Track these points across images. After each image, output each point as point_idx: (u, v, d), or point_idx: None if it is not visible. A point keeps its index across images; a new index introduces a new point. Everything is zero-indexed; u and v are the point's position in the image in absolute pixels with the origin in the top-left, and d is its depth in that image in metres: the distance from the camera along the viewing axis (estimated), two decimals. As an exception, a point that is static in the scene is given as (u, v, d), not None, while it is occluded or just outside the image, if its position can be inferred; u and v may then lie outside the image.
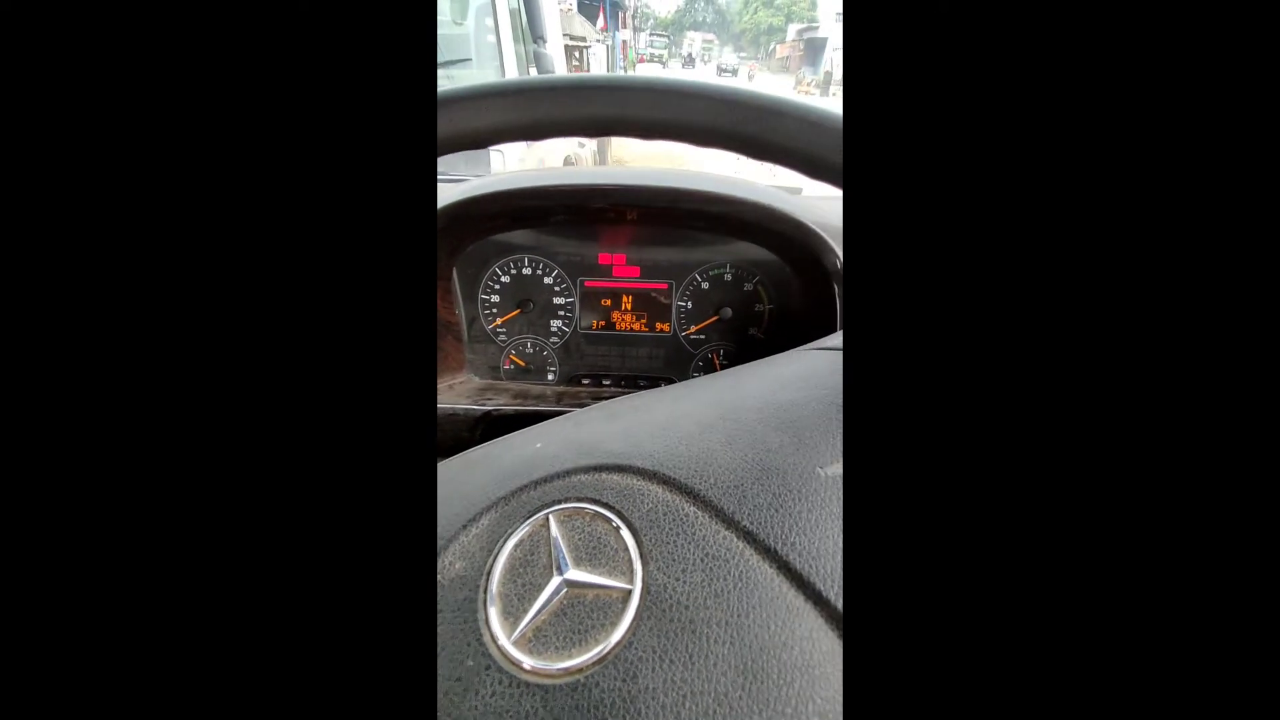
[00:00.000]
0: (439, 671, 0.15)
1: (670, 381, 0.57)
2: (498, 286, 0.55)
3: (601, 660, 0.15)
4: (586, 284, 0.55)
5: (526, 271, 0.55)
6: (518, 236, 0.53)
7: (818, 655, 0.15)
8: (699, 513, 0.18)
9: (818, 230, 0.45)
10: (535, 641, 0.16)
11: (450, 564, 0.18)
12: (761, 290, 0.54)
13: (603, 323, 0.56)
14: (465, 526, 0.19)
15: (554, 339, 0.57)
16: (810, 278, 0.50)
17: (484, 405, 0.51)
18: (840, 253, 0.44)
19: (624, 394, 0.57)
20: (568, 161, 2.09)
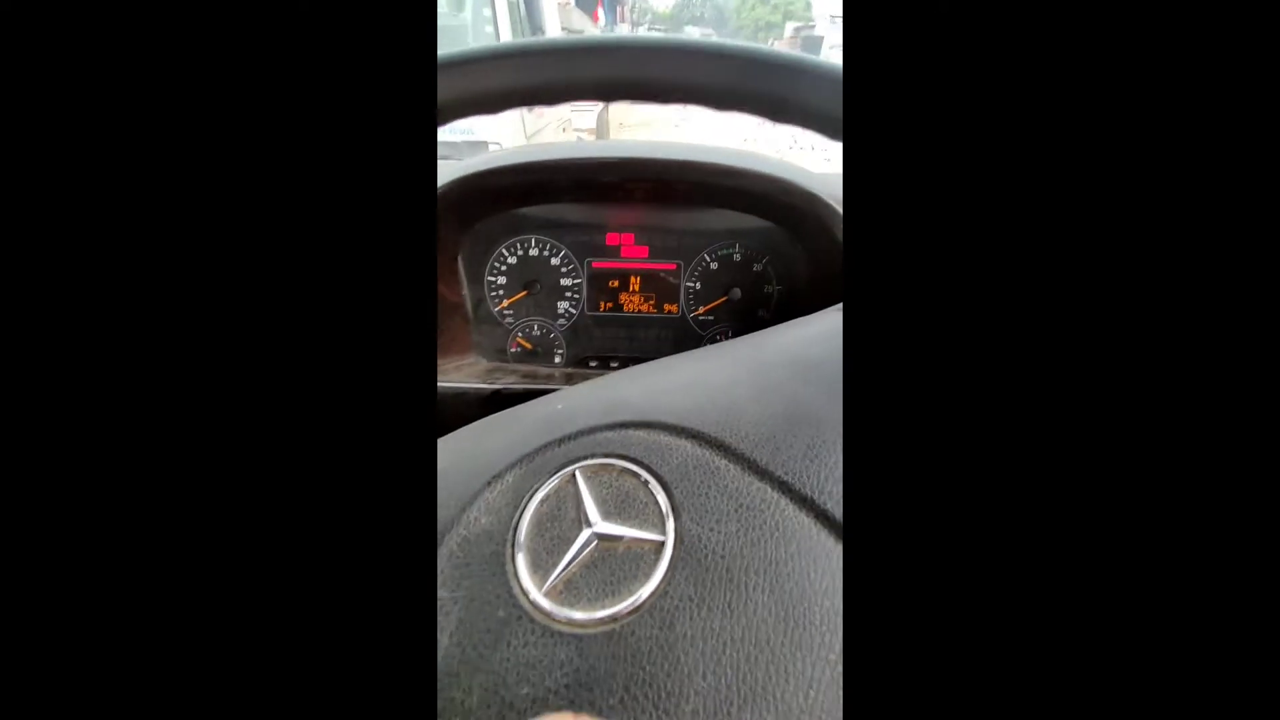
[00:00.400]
0: (471, 624, 0.15)
1: None
2: (504, 268, 0.54)
3: (637, 609, 0.15)
4: (594, 265, 0.54)
5: (534, 253, 0.54)
6: (523, 216, 0.53)
7: None
8: (730, 465, 0.17)
9: (830, 203, 0.44)
10: (566, 593, 0.15)
11: (475, 519, 0.17)
12: (771, 271, 0.54)
13: (610, 304, 0.55)
14: (490, 483, 0.18)
15: (561, 321, 0.56)
16: (821, 257, 0.49)
17: (492, 384, 0.50)
18: None
19: None
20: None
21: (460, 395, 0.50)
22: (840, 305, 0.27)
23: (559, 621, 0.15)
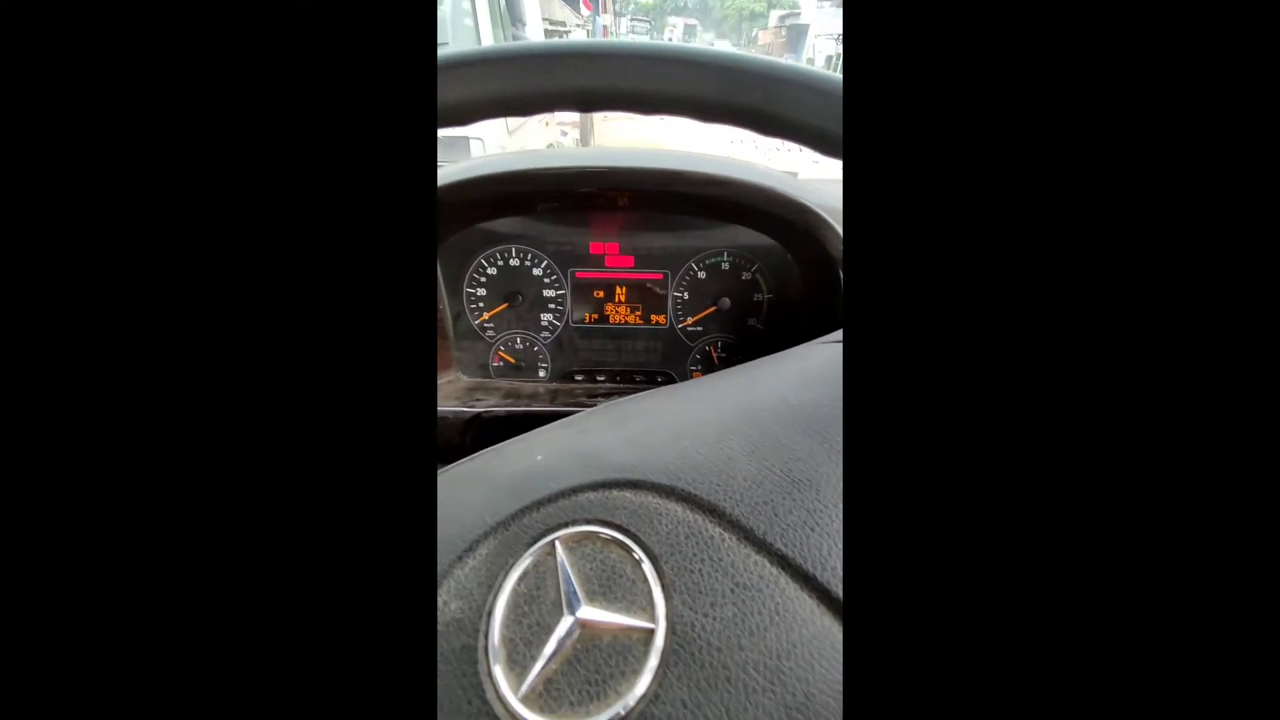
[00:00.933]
0: None
1: (668, 376, 0.55)
2: (484, 279, 0.52)
3: None
4: (578, 275, 0.52)
5: (514, 263, 0.52)
6: (503, 225, 0.50)
7: None
8: (725, 534, 0.16)
9: (821, 213, 0.42)
10: (546, 696, 0.14)
11: (445, 604, 0.15)
12: (760, 279, 0.52)
13: (596, 316, 0.53)
14: (460, 558, 0.16)
15: (545, 334, 0.54)
16: (812, 265, 0.48)
17: (474, 407, 0.48)
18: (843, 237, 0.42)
19: (620, 390, 0.54)
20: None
21: (440, 419, 0.47)
22: (834, 335, 0.26)
23: None
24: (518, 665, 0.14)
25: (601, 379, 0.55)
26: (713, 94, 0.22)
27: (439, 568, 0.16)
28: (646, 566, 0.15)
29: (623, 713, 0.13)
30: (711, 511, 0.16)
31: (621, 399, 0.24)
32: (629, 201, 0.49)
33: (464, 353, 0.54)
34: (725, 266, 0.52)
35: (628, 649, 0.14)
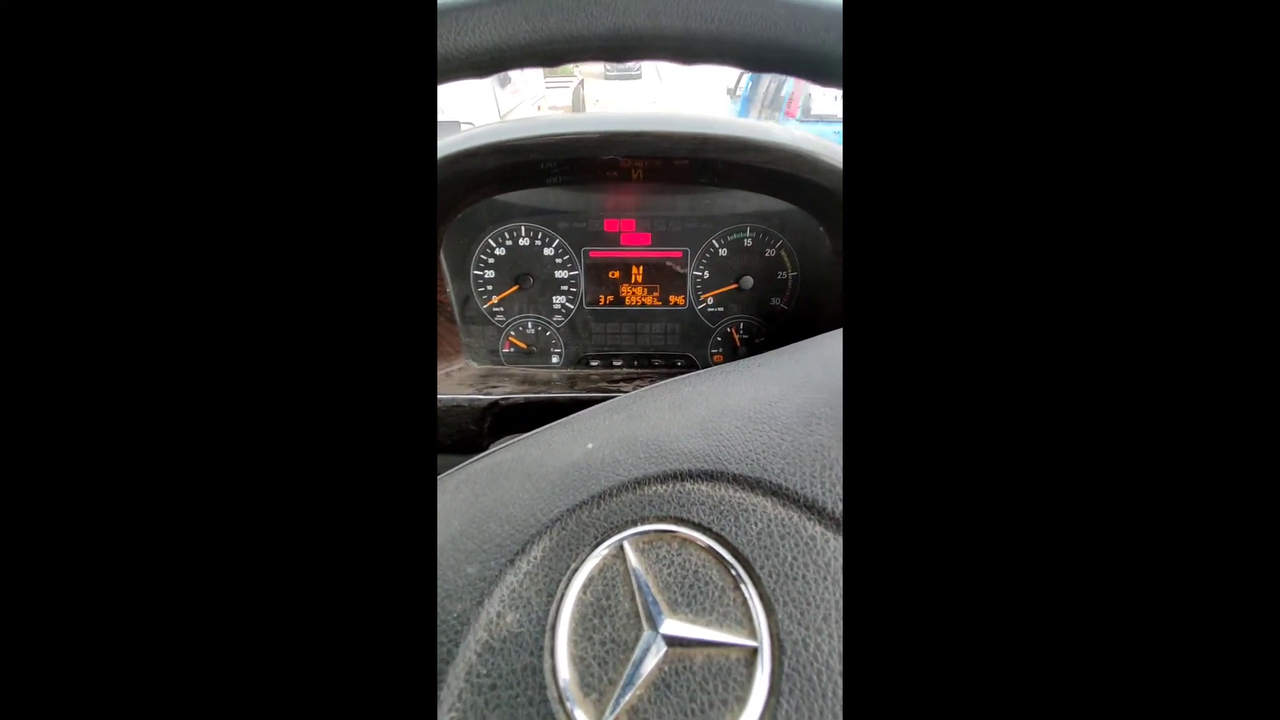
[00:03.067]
0: None
1: (688, 360, 0.53)
2: (492, 260, 0.49)
3: None
4: (592, 255, 0.49)
5: (524, 243, 0.49)
6: (510, 202, 0.47)
7: None
8: (827, 534, 0.13)
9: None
10: None
11: (498, 617, 0.13)
12: (785, 256, 0.49)
13: (611, 297, 0.51)
14: (512, 561, 0.14)
15: (558, 317, 0.51)
16: (835, 232, 0.45)
17: (489, 394, 0.45)
18: None
19: (638, 375, 0.52)
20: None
21: (454, 408, 0.45)
22: None
23: None
24: (594, 691, 0.12)
25: (618, 364, 0.53)
26: (780, 37, 0.20)
27: (488, 572, 0.14)
28: (739, 572, 0.13)
29: None
30: (810, 507, 0.14)
31: (668, 381, 0.21)
32: (644, 174, 0.46)
33: (473, 338, 0.51)
34: (748, 243, 0.49)
35: (728, 672, 0.12)
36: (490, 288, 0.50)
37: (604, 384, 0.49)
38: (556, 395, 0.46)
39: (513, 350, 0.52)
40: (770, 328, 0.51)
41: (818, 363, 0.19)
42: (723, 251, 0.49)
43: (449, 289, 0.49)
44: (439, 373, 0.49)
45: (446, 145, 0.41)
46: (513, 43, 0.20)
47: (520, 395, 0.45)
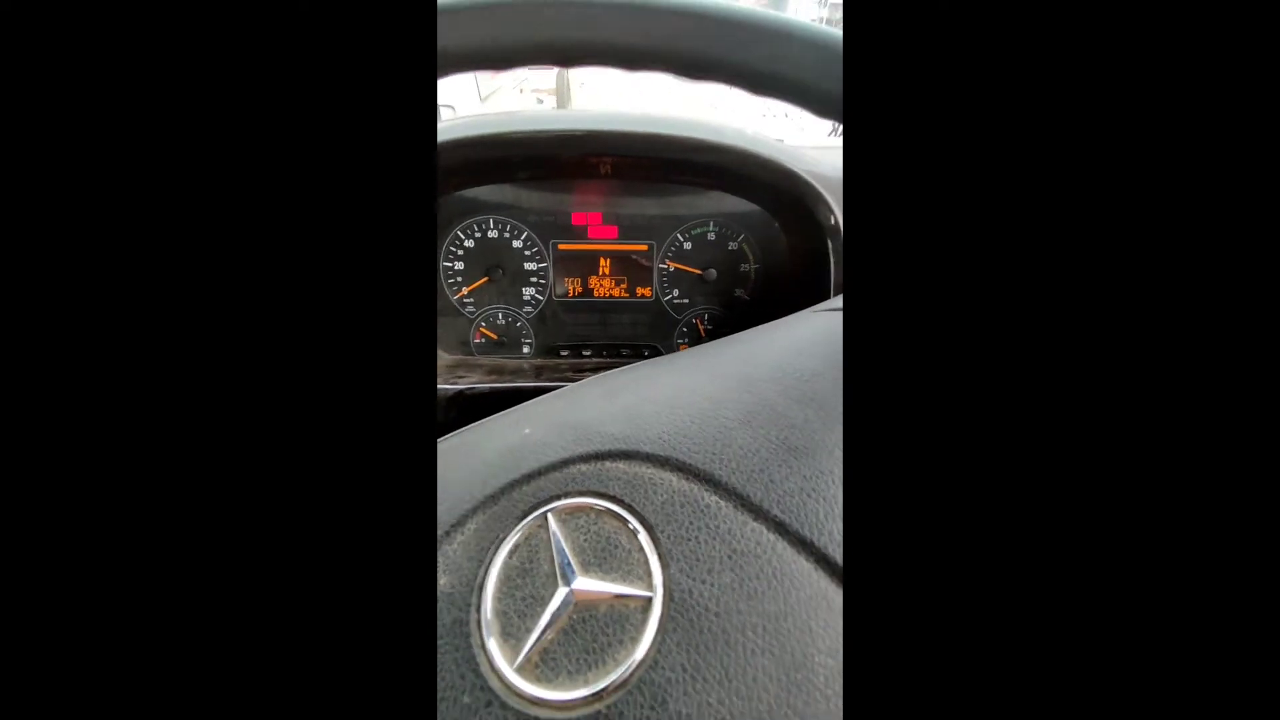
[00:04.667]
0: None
1: (655, 350, 0.55)
2: (461, 252, 0.50)
3: (624, 685, 0.13)
4: (560, 247, 0.51)
5: (493, 235, 0.50)
6: (481, 194, 0.48)
7: None
8: (721, 502, 0.15)
9: (811, 181, 0.42)
10: (543, 667, 0.13)
11: (435, 580, 0.15)
12: (747, 249, 0.51)
13: (580, 289, 0.52)
14: (448, 533, 0.16)
15: (528, 309, 0.53)
16: (801, 233, 0.47)
17: (455, 384, 0.47)
18: (835, 207, 0.41)
19: (606, 365, 0.54)
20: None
21: None
22: (830, 303, 0.25)
23: (535, 704, 0.13)
24: (512, 638, 0.14)
25: (587, 354, 0.54)
26: (707, 49, 0.21)
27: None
28: (642, 537, 0.15)
29: (621, 679, 0.13)
30: (707, 480, 0.16)
31: (611, 371, 0.23)
32: (612, 169, 0.47)
33: (444, 329, 0.52)
34: (712, 237, 0.51)
35: (625, 617, 0.14)
36: (460, 279, 0.51)
37: (570, 374, 0.51)
38: (522, 384, 0.48)
39: (483, 341, 0.53)
40: (733, 317, 0.54)
41: (737, 355, 0.21)
42: (687, 245, 0.51)
43: None
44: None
45: None
46: (497, 45, 0.21)
47: (485, 385, 0.47)
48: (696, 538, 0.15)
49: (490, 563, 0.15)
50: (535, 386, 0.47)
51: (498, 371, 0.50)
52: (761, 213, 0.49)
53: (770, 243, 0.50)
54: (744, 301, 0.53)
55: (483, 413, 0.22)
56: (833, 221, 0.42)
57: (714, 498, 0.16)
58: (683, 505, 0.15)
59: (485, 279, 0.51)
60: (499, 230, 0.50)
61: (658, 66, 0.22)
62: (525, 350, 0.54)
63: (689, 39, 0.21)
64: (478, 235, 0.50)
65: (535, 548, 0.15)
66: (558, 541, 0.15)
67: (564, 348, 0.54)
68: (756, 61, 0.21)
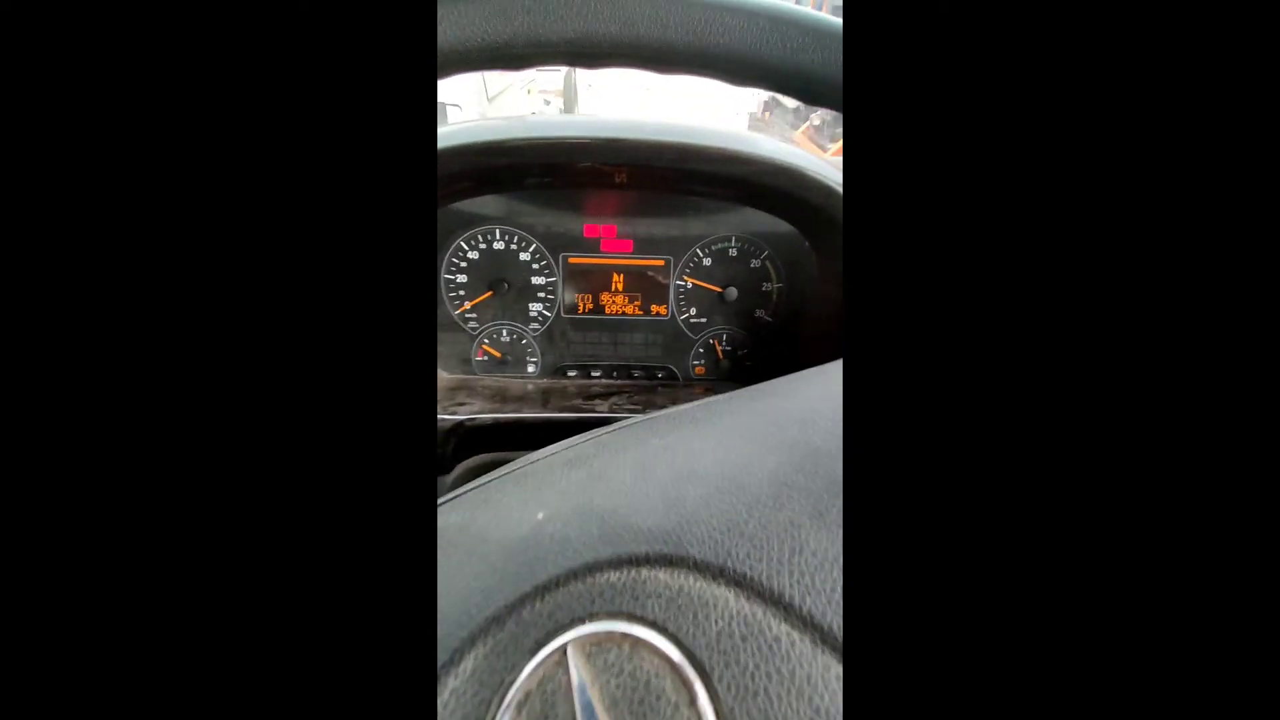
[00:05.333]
0: None
1: (669, 371, 0.51)
2: (464, 264, 0.47)
3: None
4: (570, 260, 0.47)
5: (499, 246, 0.46)
6: (485, 204, 0.45)
7: None
8: (795, 634, 0.12)
9: (836, 187, 0.38)
10: None
11: None
12: (770, 267, 0.48)
13: (590, 305, 0.49)
14: (445, 667, 0.12)
15: (534, 325, 0.49)
16: (834, 253, 0.44)
17: (455, 414, 0.43)
18: None
19: (617, 387, 0.50)
20: (534, 119, 1.94)
21: None
22: None
23: None
24: None
25: (596, 374, 0.51)
26: (757, 52, 0.18)
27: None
28: (695, 685, 0.11)
29: None
30: (776, 602, 0.12)
31: (633, 424, 0.20)
32: (628, 179, 0.43)
33: (444, 346, 0.49)
34: (732, 253, 0.47)
35: None
36: (462, 293, 0.47)
37: (579, 400, 0.47)
38: (526, 416, 0.44)
39: (486, 359, 0.50)
40: (754, 340, 0.50)
41: (792, 414, 0.18)
42: (707, 261, 0.48)
43: None
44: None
45: None
46: (493, 42, 0.19)
47: (488, 416, 0.43)
48: (765, 690, 0.11)
49: (498, 717, 0.11)
50: (542, 420, 0.44)
51: (501, 397, 0.47)
52: (790, 231, 0.45)
53: (798, 262, 0.47)
54: (765, 323, 0.49)
55: (484, 446, 0.19)
56: None
57: (786, 627, 0.12)
58: (744, 638, 0.12)
59: (489, 293, 0.47)
60: (505, 241, 0.46)
61: (704, 70, 0.19)
62: (530, 369, 0.50)
63: (743, 41, 0.18)
64: (482, 246, 0.46)
65: (551, 699, 0.12)
66: (581, 691, 0.12)
67: (572, 367, 0.51)
68: (812, 67, 0.18)
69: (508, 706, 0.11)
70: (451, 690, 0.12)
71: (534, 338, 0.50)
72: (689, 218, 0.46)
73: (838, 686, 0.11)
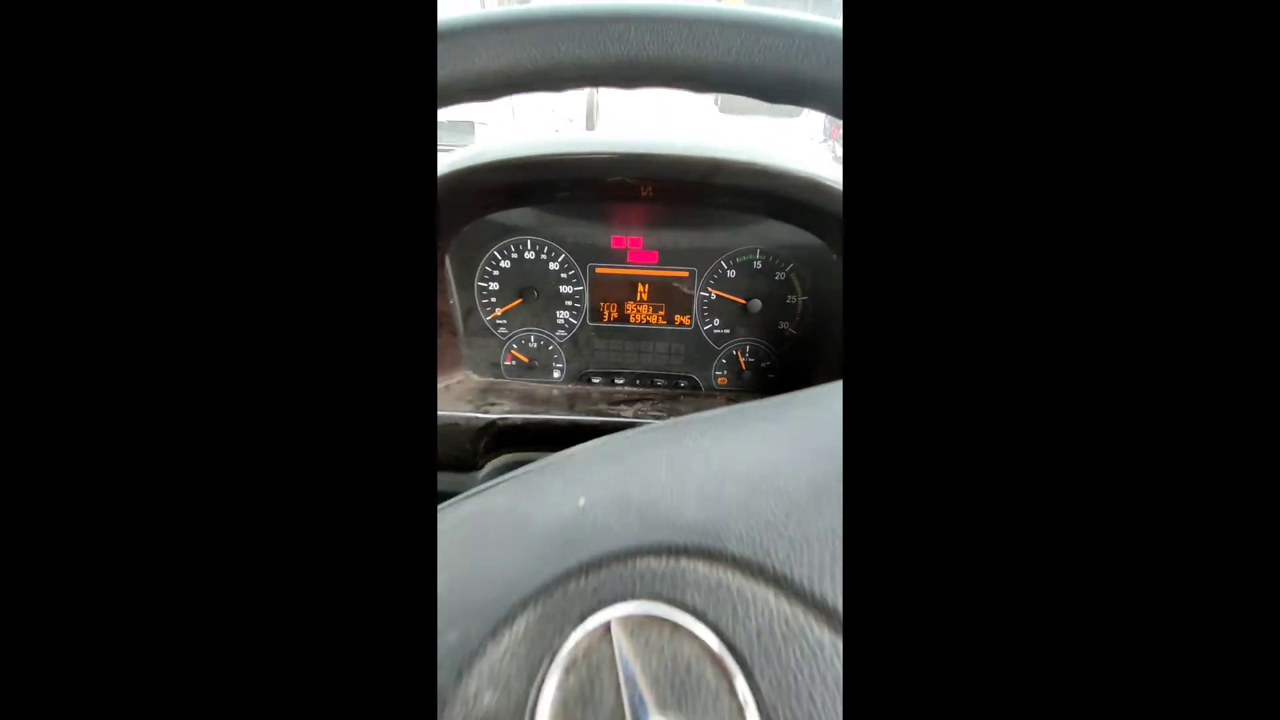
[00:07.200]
0: None
1: (691, 381, 0.52)
2: (496, 273, 0.48)
3: None
4: (597, 270, 0.49)
5: (529, 256, 0.48)
6: (518, 216, 0.47)
7: None
8: (836, 641, 0.12)
9: None
10: None
11: (475, 695, 0.12)
12: (795, 280, 0.48)
13: (616, 314, 0.50)
14: (494, 632, 0.13)
15: (561, 332, 0.50)
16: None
17: (488, 414, 0.44)
18: None
19: (639, 396, 0.51)
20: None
21: (451, 427, 0.44)
22: None
23: None
24: None
25: (620, 382, 0.52)
26: (791, 69, 0.19)
27: (470, 642, 0.13)
28: (736, 675, 0.12)
29: None
30: (817, 606, 0.13)
31: (667, 425, 0.20)
32: (654, 192, 0.45)
33: (474, 350, 0.50)
34: (757, 265, 0.48)
35: None
36: (494, 300, 0.49)
37: (604, 405, 0.48)
38: (555, 417, 0.45)
39: (514, 364, 0.51)
40: (778, 353, 0.50)
41: (829, 422, 0.18)
42: (731, 273, 0.48)
43: (452, 300, 0.48)
44: (439, 385, 0.48)
45: (458, 159, 0.41)
46: (520, 69, 0.20)
47: (518, 416, 0.44)
48: (809, 690, 0.12)
49: (544, 681, 0.12)
50: (570, 421, 0.45)
51: (528, 399, 0.48)
52: (816, 244, 0.46)
53: (823, 276, 0.47)
54: (790, 335, 0.50)
55: (513, 445, 0.20)
56: None
57: (826, 633, 0.12)
58: (785, 638, 0.12)
59: (519, 300, 0.49)
60: (536, 251, 0.48)
61: (730, 88, 0.20)
62: (556, 375, 0.52)
63: (776, 59, 0.19)
64: (514, 256, 0.48)
65: (597, 667, 0.12)
66: (625, 664, 0.12)
67: (596, 374, 0.52)
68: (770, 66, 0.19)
69: (557, 666, 0.12)
70: (507, 648, 0.13)
71: (560, 344, 0.51)
72: (713, 230, 0.47)
73: None
